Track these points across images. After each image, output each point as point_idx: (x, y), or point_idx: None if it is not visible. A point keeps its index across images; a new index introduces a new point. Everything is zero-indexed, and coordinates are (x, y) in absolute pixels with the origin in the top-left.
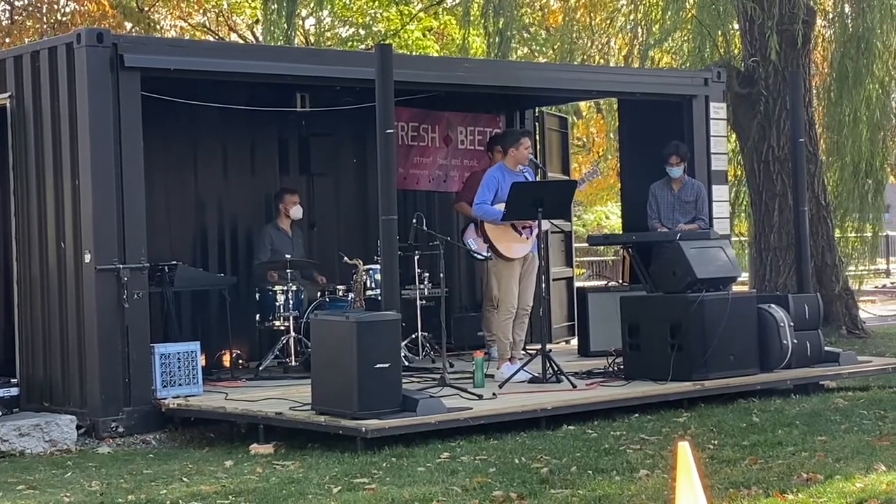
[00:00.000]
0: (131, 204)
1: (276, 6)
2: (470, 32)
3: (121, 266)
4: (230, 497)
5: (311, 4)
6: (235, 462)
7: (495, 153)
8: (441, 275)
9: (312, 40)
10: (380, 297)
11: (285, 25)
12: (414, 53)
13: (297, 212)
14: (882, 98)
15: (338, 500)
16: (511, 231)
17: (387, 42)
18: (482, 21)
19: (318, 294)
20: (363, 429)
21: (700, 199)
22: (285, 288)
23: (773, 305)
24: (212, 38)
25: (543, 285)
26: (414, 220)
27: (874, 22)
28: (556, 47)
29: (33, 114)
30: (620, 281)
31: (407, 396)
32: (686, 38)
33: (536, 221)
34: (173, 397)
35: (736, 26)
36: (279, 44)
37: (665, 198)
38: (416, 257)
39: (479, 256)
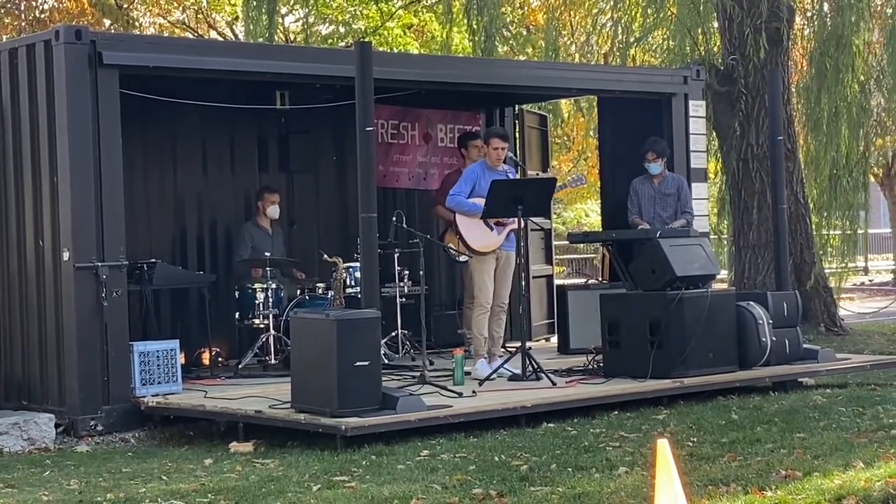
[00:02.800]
0: (110, 202)
1: (256, 3)
2: (452, 30)
3: (99, 264)
4: (209, 495)
5: (292, 2)
6: (215, 460)
7: (470, 148)
8: (421, 272)
9: (292, 38)
10: (360, 295)
11: (266, 23)
12: (394, 51)
13: (273, 211)
14: (860, 96)
15: (317, 498)
16: (481, 225)
17: (367, 39)
18: (465, 19)
19: (298, 292)
20: (343, 427)
21: (682, 192)
22: (265, 286)
23: (751, 303)
24: (191, 36)
25: (523, 283)
26: (394, 218)
27: (853, 20)
28: (536, 45)
29: (11, 111)
30: (600, 278)
31: (387, 394)
32: (666, 36)
33: (508, 220)
34: (152, 395)
35: (715, 24)
36: (260, 41)
37: (646, 192)
38: (396, 255)
39: (459, 259)
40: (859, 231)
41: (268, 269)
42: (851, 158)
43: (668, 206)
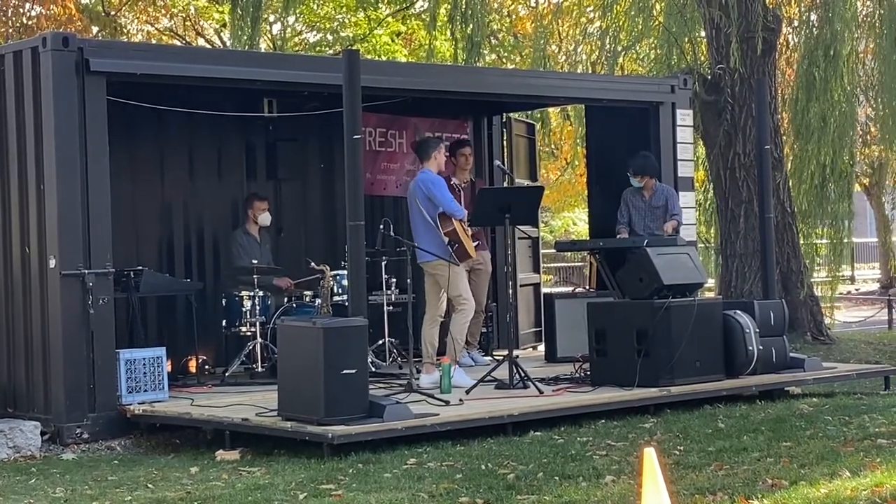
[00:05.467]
0: (97, 209)
1: (241, 11)
2: (437, 38)
3: (86, 271)
4: (195, 503)
5: (280, 10)
6: (201, 468)
7: (458, 156)
8: (408, 280)
9: (280, 45)
10: (347, 303)
11: (250, 30)
12: (382, 58)
13: (265, 219)
14: (846, 106)
15: None
16: (464, 234)
17: (354, 47)
18: (449, 27)
19: (285, 300)
20: (330, 435)
21: (670, 200)
22: (252, 293)
23: (738, 312)
24: (179, 43)
25: (510, 291)
26: (381, 226)
27: (839, 29)
28: (523, 53)
29: None
30: (587, 287)
31: (374, 402)
32: (653, 45)
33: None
34: (139, 403)
35: (702, 34)
36: (245, 48)
37: (637, 205)
38: (384, 263)
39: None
40: (844, 240)
41: (255, 276)
42: (837, 168)
43: (658, 217)
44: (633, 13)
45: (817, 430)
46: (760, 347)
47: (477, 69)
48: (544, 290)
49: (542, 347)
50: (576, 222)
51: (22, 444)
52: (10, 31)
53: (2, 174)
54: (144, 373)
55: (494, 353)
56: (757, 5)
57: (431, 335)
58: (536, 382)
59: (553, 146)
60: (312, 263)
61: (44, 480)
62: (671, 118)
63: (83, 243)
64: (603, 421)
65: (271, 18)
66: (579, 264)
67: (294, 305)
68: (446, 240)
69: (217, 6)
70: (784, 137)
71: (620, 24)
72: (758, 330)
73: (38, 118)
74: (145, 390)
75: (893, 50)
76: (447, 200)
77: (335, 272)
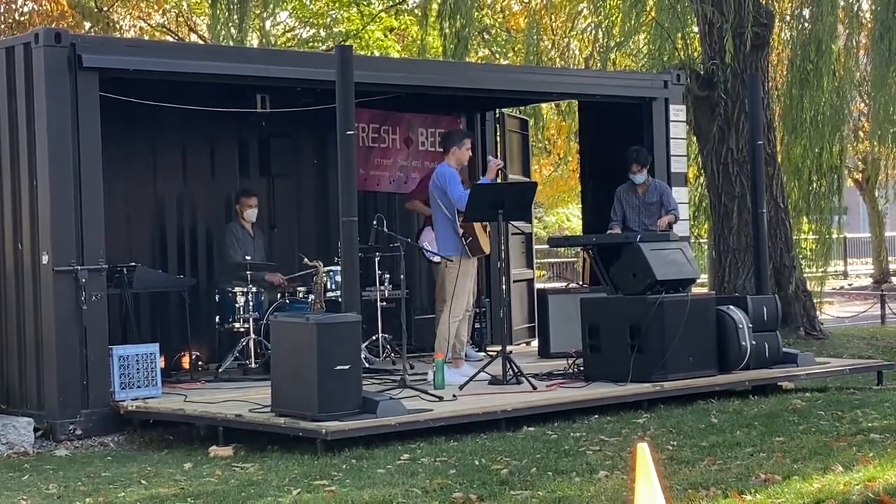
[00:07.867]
0: (89, 205)
1: (226, 7)
2: (428, 33)
3: (79, 267)
4: (189, 499)
5: (270, 6)
6: (194, 464)
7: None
8: (402, 276)
9: (273, 41)
10: (340, 299)
11: (237, 23)
12: (375, 54)
13: (251, 215)
14: (837, 101)
15: (297, 502)
16: (480, 228)
17: (347, 43)
18: (439, 23)
19: (279, 295)
20: (323, 430)
21: (665, 196)
22: (245, 289)
23: (731, 307)
24: (171, 39)
25: (504, 287)
26: (374, 222)
27: (832, 23)
28: (516, 49)
29: None
30: (581, 282)
31: (367, 398)
32: (646, 41)
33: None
34: (132, 399)
35: (695, 29)
36: (230, 45)
37: (631, 201)
38: (377, 259)
39: (434, 259)
40: (835, 235)
41: (248, 272)
42: (826, 163)
43: (652, 214)
44: (625, 8)
45: (810, 424)
46: (753, 342)
47: (470, 65)
48: (538, 285)
49: (535, 343)
50: (569, 218)
51: (15, 441)
52: (2, 27)
53: None
54: (137, 369)
55: (488, 349)
56: (749, 1)
57: (454, 329)
58: (530, 378)
59: (546, 142)
60: (306, 259)
61: (37, 477)
62: (664, 114)
63: (76, 239)
64: (596, 416)
65: (264, 15)
66: (573, 260)
67: (287, 301)
68: (461, 231)
69: (209, 2)
70: (777, 133)
71: (613, 19)
72: (751, 325)
73: (30, 114)
74: (138, 386)
75: (884, 45)
76: (457, 194)
77: (328, 268)
